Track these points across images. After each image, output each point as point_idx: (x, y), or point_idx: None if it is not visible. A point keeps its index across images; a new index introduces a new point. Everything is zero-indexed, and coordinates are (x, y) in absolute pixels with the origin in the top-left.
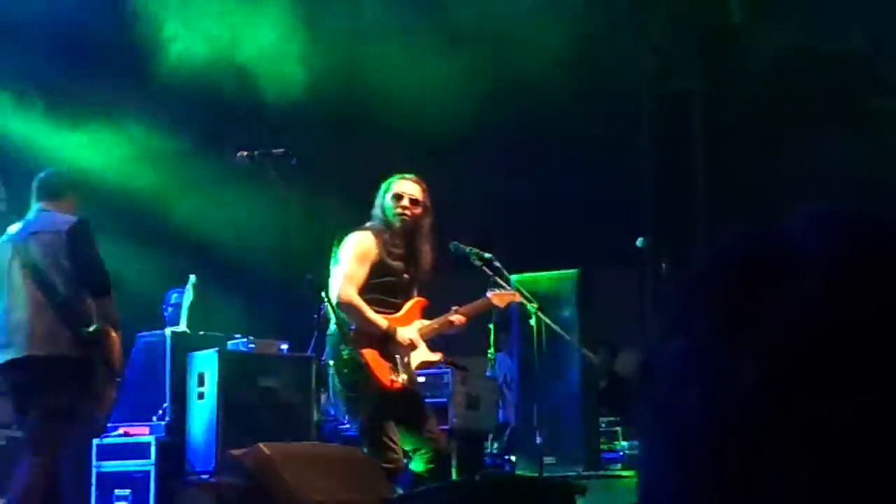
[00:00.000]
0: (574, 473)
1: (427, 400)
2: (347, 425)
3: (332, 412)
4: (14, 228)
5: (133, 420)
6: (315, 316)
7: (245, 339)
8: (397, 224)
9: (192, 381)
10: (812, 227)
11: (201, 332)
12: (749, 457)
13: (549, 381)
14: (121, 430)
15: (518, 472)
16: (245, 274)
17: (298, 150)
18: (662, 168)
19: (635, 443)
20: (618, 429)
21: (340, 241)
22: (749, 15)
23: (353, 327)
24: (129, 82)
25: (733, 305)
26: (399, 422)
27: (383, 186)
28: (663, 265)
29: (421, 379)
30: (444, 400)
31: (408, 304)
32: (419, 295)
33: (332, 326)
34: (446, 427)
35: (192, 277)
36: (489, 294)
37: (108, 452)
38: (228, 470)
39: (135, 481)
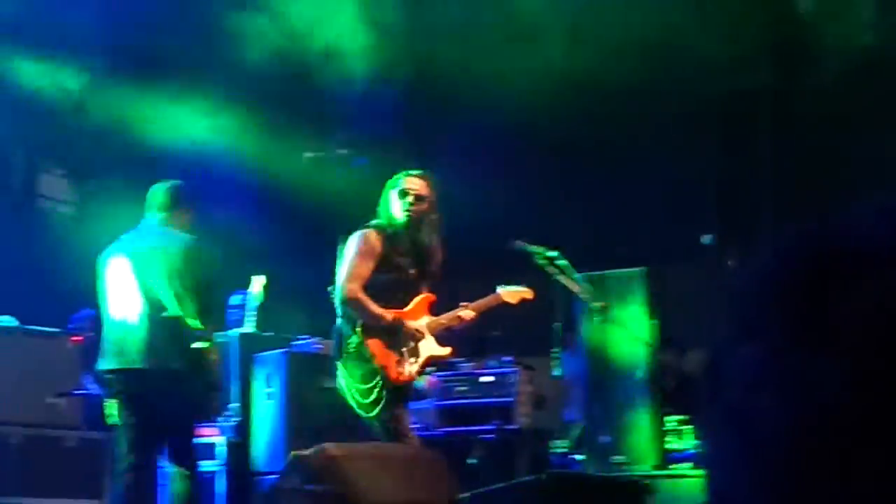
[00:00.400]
0: (642, 472)
1: (493, 400)
2: (417, 424)
3: None
4: (127, 237)
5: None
6: None
7: (312, 340)
8: (404, 220)
9: (260, 382)
10: (881, 222)
11: (268, 333)
12: (836, 459)
13: (617, 380)
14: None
15: (585, 471)
16: (309, 274)
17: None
18: (729, 165)
19: (703, 442)
20: (685, 427)
21: (345, 240)
22: (820, 10)
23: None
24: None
25: (807, 307)
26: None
27: (388, 184)
28: (729, 262)
29: (489, 379)
30: (511, 399)
31: (415, 300)
32: (427, 292)
33: (338, 322)
34: (514, 426)
35: (262, 278)
36: (499, 290)
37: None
38: (295, 471)
39: (205, 481)
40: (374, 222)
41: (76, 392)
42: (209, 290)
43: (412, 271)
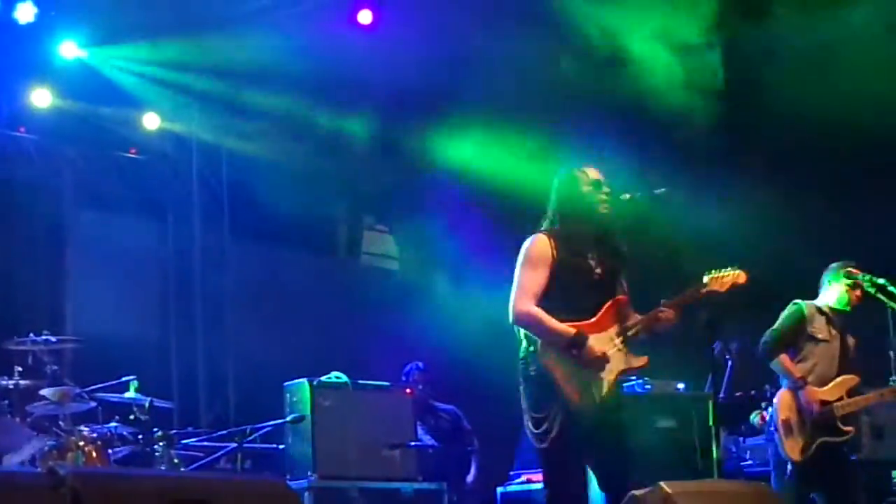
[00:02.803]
0: None
1: None
2: (750, 461)
3: (734, 449)
4: None
5: (535, 467)
6: (712, 353)
7: (641, 380)
8: (602, 213)
9: None
10: None
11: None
12: None
13: None
14: (524, 478)
15: None
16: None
17: None
18: None
19: None
20: None
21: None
22: None
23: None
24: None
25: None
26: (590, 449)
27: (566, 179)
28: None
29: None
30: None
31: (604, 308)
32: (621, 293)
33: (522, 349)
34: (853, 457)
35: None
36: (705, 278)
37: (512, 500)
38: None
39: None
40: (545, 227)
41: (411, 444)
42: None
43: (598, 271)
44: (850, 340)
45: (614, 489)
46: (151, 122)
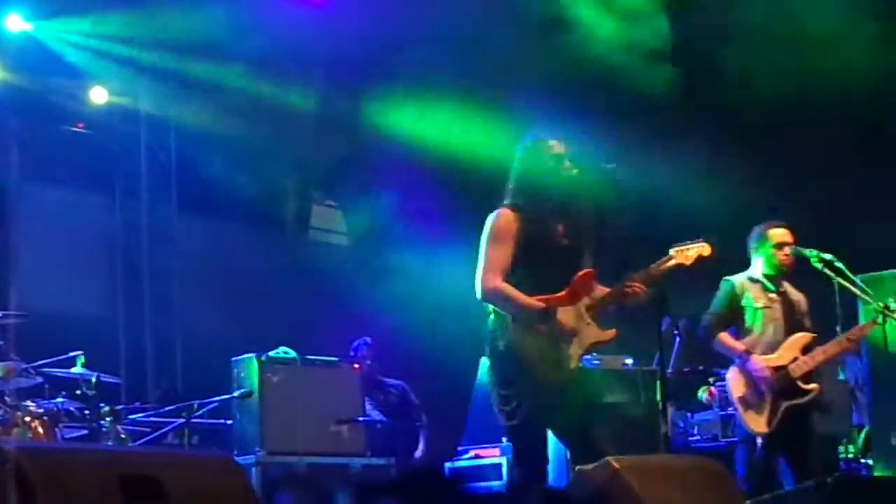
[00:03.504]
0: None
1: None
2: (697, 436)
3: (682, 424)
4: None
5: (483, 442)
6: (660, 328)
7: (590, 355)
8: (562, 181)
9: None
10: None
11: None
12: None
13: None
14: (472, 453)
15: (877, 475)
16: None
17: None
18: None
19: None
20: None
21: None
22: None
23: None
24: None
25: None
26: (557, 427)
27: (529, 151)
28: None
29: None
30: None
31: (572, 282)
32: (588, 265)
33: (490, 321)
34: None
35: None
36: (671, 251)
37: (460, 475)
38: (579, 486)
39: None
40: (508, 200)
41: (359, 419)
42: None
43: (564, 244)
44: (796, 297)
45: (588, 461)
46: (99, 95)
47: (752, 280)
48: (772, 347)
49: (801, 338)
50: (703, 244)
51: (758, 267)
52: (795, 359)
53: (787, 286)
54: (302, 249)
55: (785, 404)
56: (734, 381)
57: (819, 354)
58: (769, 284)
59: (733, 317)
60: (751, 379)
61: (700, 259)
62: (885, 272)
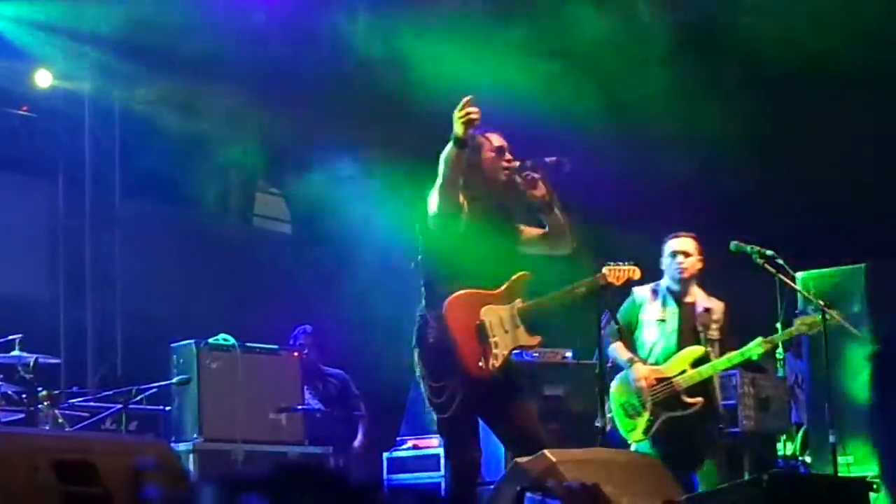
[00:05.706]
0: (871, 473)
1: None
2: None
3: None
4: None
5: (421, 433)
6: (599, 322)
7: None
8: (502, 181)
9: None
10: None
11: None
12: None
13: (841, 380)
14: (410, 443)
15: (813, 472)
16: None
17: None
18: None
19: None
20: None
21: None
22: None
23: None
24: None
25: None
26: (486, 415)
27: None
28: None
29: None
30: (733, 402)
31: (508, 282)
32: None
33: (421, 307)
34: (737, 429)
35: None
36: (604, 269)
37: (398, 465)
38: (515, 478)
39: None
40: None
41: (298, 408)
42: None
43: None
44: (704, 308)
45: (525, 453)
46: (44, 79)
47: (654, 291)
48: (665, 359)
49: (693, 351)
50: (634, 268)
51: (665, 278)
52: (683, 371)
53: (696, 295)
54: (245, 236)
55: (665, 415)
56: (616, 389)
57: (707, 369)
58: (668, 296)
59: (631, 328)
60: (632, 388)
61: (629, 282)
62: (826, 270)
